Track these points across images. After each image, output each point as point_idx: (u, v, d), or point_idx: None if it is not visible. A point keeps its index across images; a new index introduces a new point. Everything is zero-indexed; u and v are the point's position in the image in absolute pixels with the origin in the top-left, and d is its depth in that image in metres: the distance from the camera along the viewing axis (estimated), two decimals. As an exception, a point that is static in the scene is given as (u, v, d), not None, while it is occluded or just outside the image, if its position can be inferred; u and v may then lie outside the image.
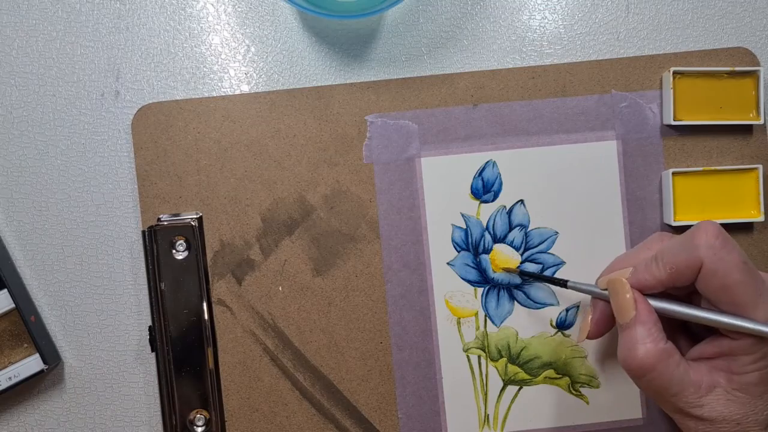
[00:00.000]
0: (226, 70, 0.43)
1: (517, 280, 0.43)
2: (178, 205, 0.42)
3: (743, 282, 0.30)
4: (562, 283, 0.39)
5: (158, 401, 0.42)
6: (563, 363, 0.43)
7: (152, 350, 0.41)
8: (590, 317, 0.37)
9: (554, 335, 0.43)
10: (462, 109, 0.43)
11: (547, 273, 0.43)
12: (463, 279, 0.43)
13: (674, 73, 0.41)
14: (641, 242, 0.37)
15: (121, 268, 0.43)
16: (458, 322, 0.43)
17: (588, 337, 0.37)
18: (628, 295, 0.34)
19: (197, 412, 0.41)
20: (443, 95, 0.43)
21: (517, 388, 0.43)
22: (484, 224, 0.43)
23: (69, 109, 0.43)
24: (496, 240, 0.43)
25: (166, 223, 0.42)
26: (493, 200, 0.43)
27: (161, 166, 0.42)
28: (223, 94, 0.43)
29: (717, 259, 0.31)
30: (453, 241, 0.43)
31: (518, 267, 0.42)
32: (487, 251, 0.43)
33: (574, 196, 0.43)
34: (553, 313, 0.43)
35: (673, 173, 0.41)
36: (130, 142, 0.43)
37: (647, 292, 0.34)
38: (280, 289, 0.43)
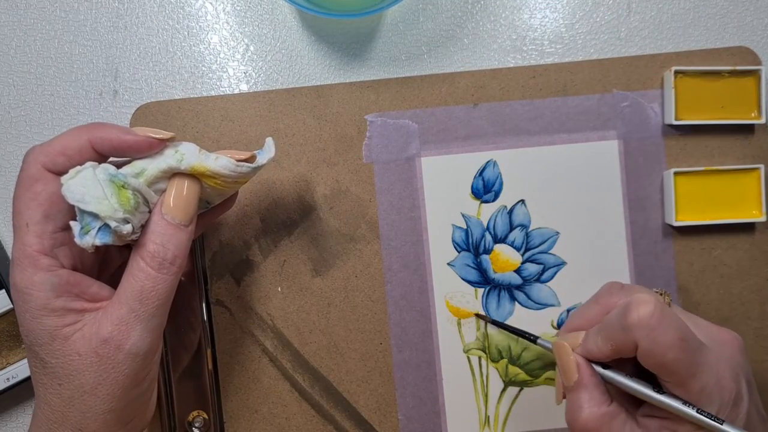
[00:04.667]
0: (224, 70, 0.43)
1: (518, 280, 0.42)
2: (176, 205, 0.42)
3: (678, 359, 0.30)
4: (533, 339, 0.40)
5: (157, 402, 0.42)
6: (564, 364, 0.42)
7: (151, 351, 0.41)
8: (559, 380, 0.37)
9: (555, 336, 0.42)
10: (462, 108, 0.42)
11: (548, 273, 0.42)
12: (463, 279, 0.42)
13: (676, 72, 0.41)
14: (593, 295, 0.36)
15: (119, 268, 0.43)
16: (459, 323, 0.42)
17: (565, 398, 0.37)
18: (571, 359, 0.34)
19: (196, 413, 0.41)
20: (443, 94, 0.42)
21: (518, 389, 0.42)
22: (485, 224, 0.42)
23: (67, 109, 0.43)
24: (497, 240, 0.42)
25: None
26: (493, 200, 0.42)
27: (160, 165, 0.42)
28: (222, 94, 0.43)
29: (651, 340, 0.30)
30: (453, 241, 0.42)
31: (488, 317, 0.42)
32: (488, 251, 0.42)
33: (575, 196, 0.43)
34: (554, 313, 0.42)
35: (675, 173, 0.41)
36: (128, 141, 0.43)
37: (595, 360, 0.34)
38: (279, 289, 0.42)
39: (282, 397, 0.42)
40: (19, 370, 0.41)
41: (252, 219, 0.42)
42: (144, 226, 0.32)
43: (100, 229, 0.30)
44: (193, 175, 0.33)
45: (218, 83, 0.43)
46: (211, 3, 0.43)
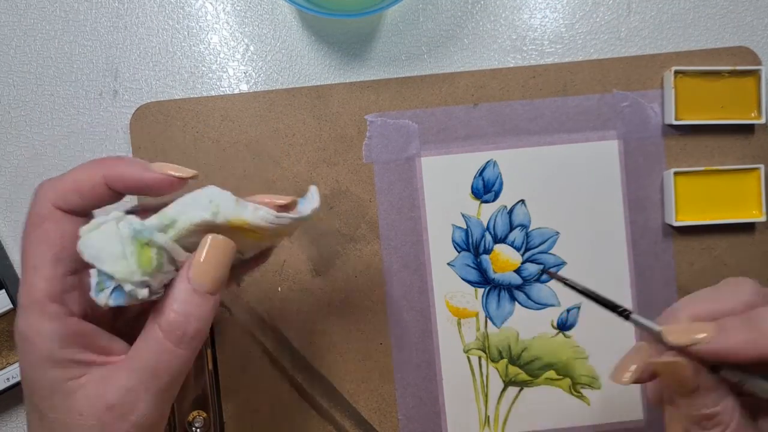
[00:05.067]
0: (225, 69, 0.43)
1: (518, 280, 0.42)
2: (176, 205, 0.42)
3: None
4: (625, 315, 0.30)
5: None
6: (564, 364, 0.42)
7: (151, 351, 0.41)
8: (634, 364, 0.29)
9: (555, 336, 0.42)
10: (462, 108, 0.42)
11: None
12: (463, 279, 0.42)
13: (676, 72, 0.41)
14: (712, 288, 0.29)
15: (119, 268, 0.43)
16: (458, 323, 0.42)
17: (624, 382, 0.29)
18: (687, 372, 0.27)
19: (196, 413, 0.41)
20: (443, 94, 0.42)
21: (518, 389, 0.42)
22: (485, 224, 0.42)
23: (67, 109, 0.43)
24: (497, 240, 0.42)
25: (164, 223, 0.41)
26: (493, 200, 0.42)
27: (160, 165, 0.42)
28: (222, 94, 0.43)
29: None
30: (453, 241, 0.42)
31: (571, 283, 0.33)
32: (488, 251, 0.42)
33: (575, 196, 0.43)
34: (554, 313, 0.42)
35: (675, 173, 0.41)
36: (128, 141, 0.43)
37: (730, 360, 0.26)
38: (279, 289, 0.42)
39: (282, 397, 0.42)
40: (19, 370, 0.41)
41: (252, 219, 0.42)
42: (167, 286, 0.28)
43: (114, 289, 0.27)
44: (228, 235, 0.28)
45: (218, 83, 0.43)
46: (211, 3, 0.43)
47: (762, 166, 0.41)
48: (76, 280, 0.29)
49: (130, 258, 0.27)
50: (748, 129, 0.42)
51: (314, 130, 0.42)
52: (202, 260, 0.28)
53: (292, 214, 0.30)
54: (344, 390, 0.42)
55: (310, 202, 0.31)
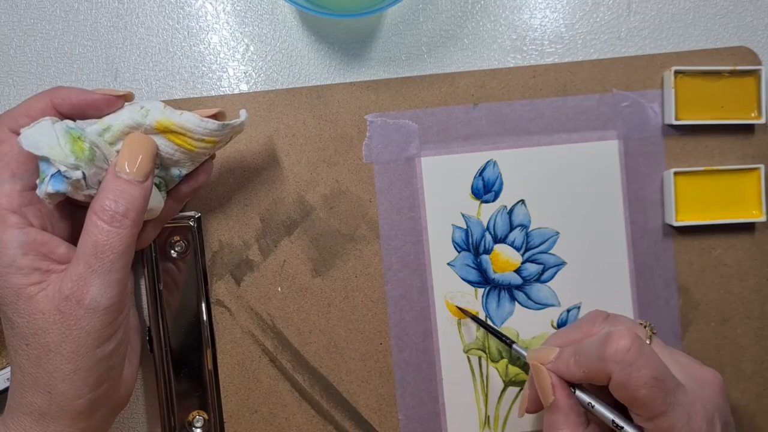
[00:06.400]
0: (224, 69, 0.43)
1: (518, 280, 0.42)
2: (176, 205, 0.42)
3: (650, 396, 0.30)
4: (509, 342, 0.40)
5: (157, 402, 0.42)
6: (564, 364, 0.42)
7: (150, 351, 0.41)
8: (528, 392, 0.37)
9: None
10: (462, 108, 0.42)
11: (548, 273, 0.42)
12: (463, 279, 0.42)
13: (676, 72, 0.41)
14: (577, 320, 0.37)
15: (119, 268, 0.43)
16: (459, 323, 0.42)
17: (527, 412, 0.37)
18: (547, 381, 0.34)
19: (196, 413, 0.41)
20: (443, 94, 0.42)
21: (518, 389, 0.42)
22: (485, 224, 0.42)
23: (67, 109, 0.43)
24: (497, 240, 0.42)
25: (164, 223, 0.41)
26: (493, 200, 0.42)
27: (160, 165, 0.42)
28: (222, 94, 0.43)
29: (625, 374, 0.30)
30: (453, 241, 0.42)
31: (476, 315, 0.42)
32: (488, 251, 0.42)
33: (575, 196, 0.43)
34: (554, 313, 0.42)
35: (675, 173, 0.41)
36: (128, 141, 0.43)
37: (565, 377, 0.34)
38: (279, 289, 0.42)
39: (282, 397, 0.42)
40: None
41: (252, 219, 0.42)
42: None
43: (53, 176, 0.31)
44: (149, 134, 0.33)
45: (218, 83, 0.43)
46: (211, 3, 0.43)
47: (762, 166, 0.41)
48: (34, 196, 0.32)
49: (64, 147, 0.31)
50: (748, 129, 0.42)
51: (314, 130, 0.42)
52: (124, 152, 0.32)
53: (217, 120, 0.34)
54: (344, 390, 0.42)
55: (239, 117, 0.36)
